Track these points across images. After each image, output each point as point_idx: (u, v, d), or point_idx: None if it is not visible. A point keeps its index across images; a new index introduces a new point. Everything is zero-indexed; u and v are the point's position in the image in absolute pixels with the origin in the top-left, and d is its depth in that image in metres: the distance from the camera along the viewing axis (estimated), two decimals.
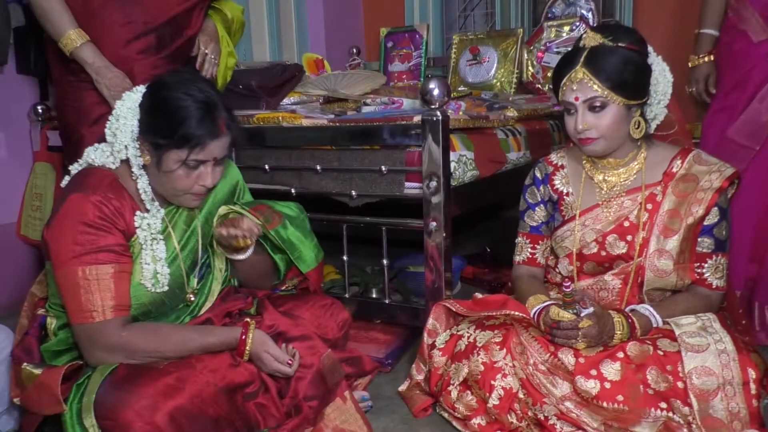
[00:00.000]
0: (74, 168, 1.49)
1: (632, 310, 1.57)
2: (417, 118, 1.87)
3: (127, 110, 1.43)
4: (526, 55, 3.40)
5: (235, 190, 1.68)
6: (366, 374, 1.80)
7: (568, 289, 1.51)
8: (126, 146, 1.43)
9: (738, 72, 2.10)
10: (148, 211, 1.43)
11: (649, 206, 1.63)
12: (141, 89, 1.45)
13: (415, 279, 2.38)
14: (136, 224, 1.41)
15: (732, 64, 2.13)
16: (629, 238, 1.64)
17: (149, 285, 1.42)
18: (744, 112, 2.08)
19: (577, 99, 1.57)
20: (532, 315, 1.61)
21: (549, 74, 3.33)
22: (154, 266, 1.42)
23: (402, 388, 1.80)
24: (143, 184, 1.43)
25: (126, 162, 1.45)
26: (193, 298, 1.54)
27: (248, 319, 1.50)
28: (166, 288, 1.44)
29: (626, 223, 1.65)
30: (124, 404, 1.23)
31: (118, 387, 1.28)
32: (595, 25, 3.35)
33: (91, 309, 1.33)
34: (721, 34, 2.18)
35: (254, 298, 1.66)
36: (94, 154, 1.46)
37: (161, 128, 1.37)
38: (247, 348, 1.45)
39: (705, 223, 1.59)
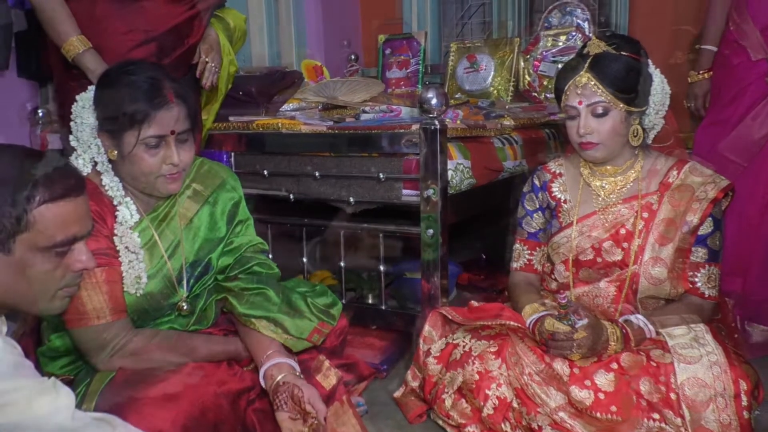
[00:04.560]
0: None
1: (626, 321, 1.59)
2: (415, 127, 1.89)
3: (81, 109, 1.44)
4: (522, 63, 3.43)
5: (237, 209, 1.63)
6: (363, 380, 1.81)
7: (563, 301, 1.53)
8: (89, 146, 1.44)
9: (734, 87, 2.12)
10: (109, 198, 1.43)
11: (645, 214, 1.66)
12: (93, 88, 1.46)
13: (412, 285, 2.39)
14: (117, 240, 1.41)
15: (730, 78, 2.14)
16: (625, 245, 1.67)
17: (132, 289, 1.41)
18: (737, 128, 2.10)
19: (580, 103, 1.60)
20: (528, 325, 1.63)
21: (546, 83, 3.35)
22: (132, 264, 1.41)
23: (397, 394, 1.81)
24: (108, 179, 1.42)
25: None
26: (186, 307, 1.51)
27: None
28: (144, 285, 1.43)
29: (622, 231, 1.67)
30: (125, 411, 1.22)
31: (117, 394, 1.28)
32: (590, 35, 3.38)
33: (90, 312, 1.33)
34: (720, 46, 2.19)
35: None
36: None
37: (111, 113, 1.37)
38: None
39: (699, 233, 1.62)
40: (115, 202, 1.42)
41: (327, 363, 1.54)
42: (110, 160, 1.43)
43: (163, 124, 1.37)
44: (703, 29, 2.25)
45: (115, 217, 1.42)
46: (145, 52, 1.84)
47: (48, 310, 1.07)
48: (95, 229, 1.36)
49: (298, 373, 1.40)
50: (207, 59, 1.99)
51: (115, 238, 1.40)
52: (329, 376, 1.50)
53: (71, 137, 1.46)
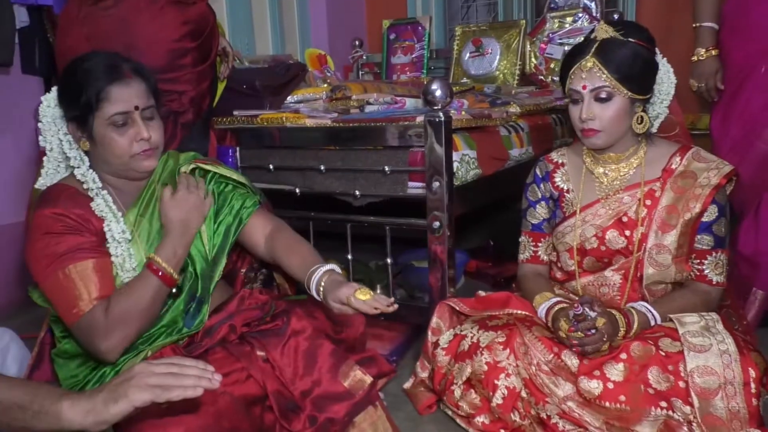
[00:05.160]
0: (37, 185, 1.51)
1: (630, 308, 1.59)
2: (420, 119, 1.88)
3: (47, 108, 1.46)
4: (528, 46, 3.39)
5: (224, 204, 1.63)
6: (383, 376, 1.71)
7: (578, 311, 1.53)
8: (59, 144, 1.46)
9: (736, 79, 2.08)
10: (91, 200, 1.43)
11: (648, 202, 1.65)
12: (56, 87, 1.48)
13: (419, 274, 2.40)
14: (106, 229, 1.43)
15: (732, 70, 2.10)
16: (627, 233, 1.66)
17: (126, 279, 1.42)
18: (744, 121, 2.07)
19: (584, 87, 1.59)
20: (539, 314, 1.64)
21: (552, 66, 3.33)
22: (123, 257, 1.43)
23: (407, 385, 1.83)
24: (82, 171, 1.44)
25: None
26: (174, 290, 1.50)
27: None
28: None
29: (624, 219, 1.67)
30: (140, 417, 1.20)
31: None
32: (597, 15, 3.35)
33: (78, 303, 1.33)
34: (721, 38, 2.13)
35: (271, 308, 1.60)
36: (47, 174, 1.51)
37: (73, 99, 1.40)
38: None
39: (704, 219, 1.61)
40: (91, 195, 1.43)
41: (351, 362, 1.49)
42: (86, 153, 1.45)
43: (124, 100, 1.39)
44: (695, 6, 2.17)
45: (101, 221, 1.42)
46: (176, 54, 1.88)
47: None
48: (82, 227, 1.39)
49: (340, 274, 1.48)
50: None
51: (105, 230, 1.42)
52: (349, 376, 1.47)
53: (40, 138, 1.48)
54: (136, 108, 1.40)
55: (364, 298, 1.38)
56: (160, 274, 1.41)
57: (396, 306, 1.41)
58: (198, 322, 1.51)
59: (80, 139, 1.43)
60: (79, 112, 1.39)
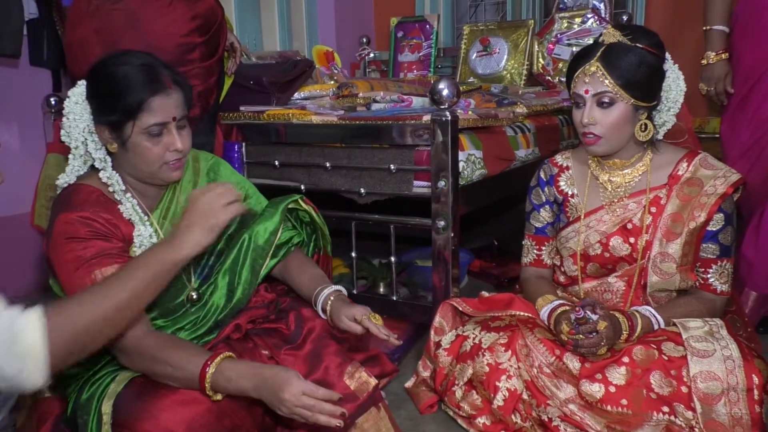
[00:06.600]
0: (61, 182, 1.47)
1: (635, 311, 1.59)
2: (426, 117, 1.88)
3: (74, 105, 1.42)
4: (536, 46, 3.39)
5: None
6: (385, 376, 1.71)
7: (580, 315, 1.52)
8: (84, 141, 1.42)
9: (746, 84, 2.06)
10: (119, 203, 1.41)
11: (653, 209, 1.64)
12: (83, 82, 1.43)
13: (423, 273, 2.40)
14: (135, 234, 1.41)
15: (742, 74, 2.09)
16: (632, 240, 1.65)
17: None
18: (749, 126, 2.05)
19: (587, 92, 1.58)
20: (542, 316, 1.63)
21: (560, 66, 3.32)
22: None
23: (408, 384, 1.82)
24: (108, 174, 1.41)
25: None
26: (195, 296, 1.50)
27: (229, 353, 1.33)
28: None
29: (629, 226, 1.66)
30: (142, 414, 1.23)
31: (135, 396, 1.28)
32: (606, 16, 3.33)
33: None
34: (734, 41, 2.12)
35: (276, 305, 1.61)
36: (72, 171, 1.47)
37: (110, 104, 1.36)
38: (207, 383, 1.26)
39: (709, 228, 1.59)
40: (117, 197, 1.41)
41: (356, 363, 1.49)
42: (110, 154, 1.42)
43: (163, 111, 1.36)
44: (705, 9, 2.15)
45: (126, 219, 1.41)
46: (185, 49, 1.87)
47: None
48: (110, 232, 1.37)
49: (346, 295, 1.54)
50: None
51: (135, 235, 1.41)
52: (354, 377, 1.46)
53: (62, 133, 1.44)
54: (174, 119, 1.38)
55: (377, 323, 1.47)
56: (201, 383, 1.27)
57: (400, 342, 1.52)
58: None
59: (108, 141, 1.40)
60: (116, 118, 1.36)
